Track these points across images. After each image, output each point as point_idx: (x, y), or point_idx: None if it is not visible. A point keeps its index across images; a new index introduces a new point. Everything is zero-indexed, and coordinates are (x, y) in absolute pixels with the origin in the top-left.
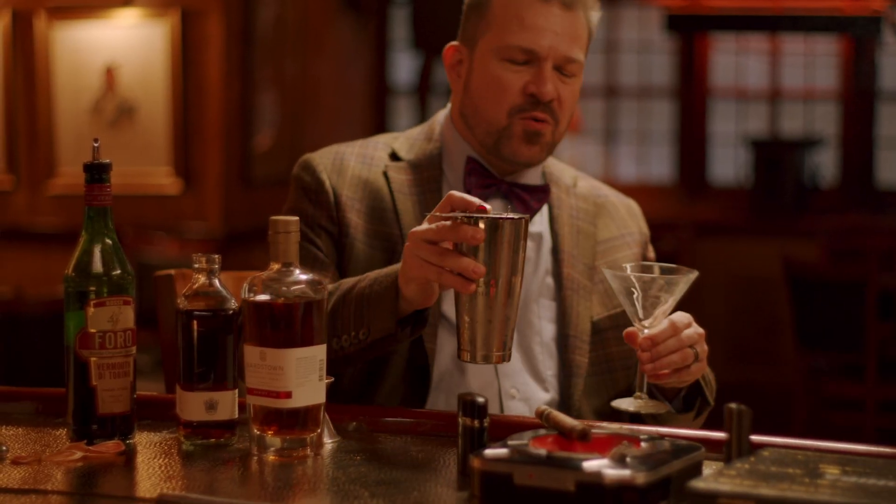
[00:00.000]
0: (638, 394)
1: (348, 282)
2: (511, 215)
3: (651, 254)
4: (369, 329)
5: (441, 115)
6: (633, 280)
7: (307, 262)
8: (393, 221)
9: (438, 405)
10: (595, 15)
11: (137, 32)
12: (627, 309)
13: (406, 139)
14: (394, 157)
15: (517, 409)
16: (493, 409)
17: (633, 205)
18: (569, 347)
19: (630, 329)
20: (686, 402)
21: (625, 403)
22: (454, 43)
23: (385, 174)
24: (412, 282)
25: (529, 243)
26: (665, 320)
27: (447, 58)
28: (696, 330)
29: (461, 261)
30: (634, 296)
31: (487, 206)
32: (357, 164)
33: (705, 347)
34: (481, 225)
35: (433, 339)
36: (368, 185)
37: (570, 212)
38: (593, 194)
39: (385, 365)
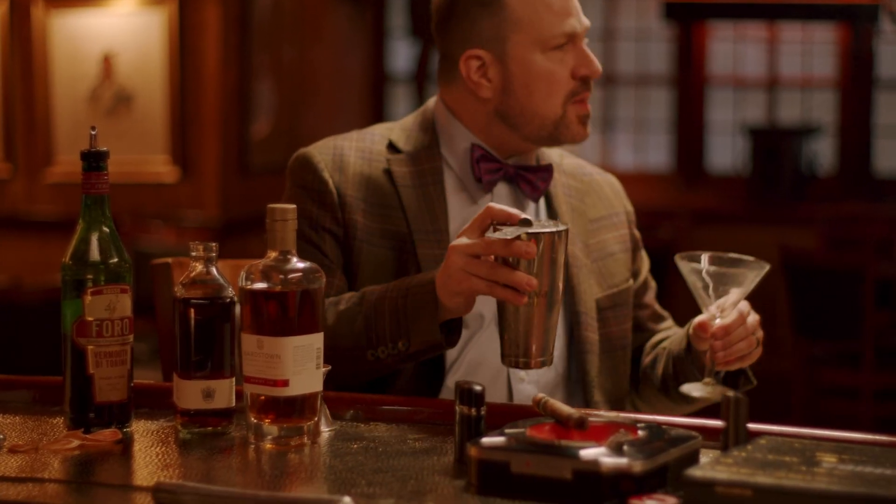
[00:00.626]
0: (707, 380)
1: (374, 291)
2: (554, 228)
3: (636, 232)
4: (409, 340)
5: (432, 104)
6: (707, 275)
7: None
8: (400, 219)
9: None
10: None
11: (134, 20)
12: (699, 299)
13: (402, 130)
14: (392, 148)
15: (526, 391)
16: (501, 393)
17: (614, 181)
18: (581, 324)
19: (701, 319)
20: (726, 380)
21: (696, 390)
22: (472, 51)
23: (387, 170)
24: (458, 296)
25: None
26: (734, 310)
27: (466, 67)
28: (755, 317)
29: (514, 275)
30: (708, 288)
31: (524, 215)
32: (358, 159)
33: (761, 333)
34: (526, 237)
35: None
36: (371, 183)
37: (563, 189)
38: (579, 172)
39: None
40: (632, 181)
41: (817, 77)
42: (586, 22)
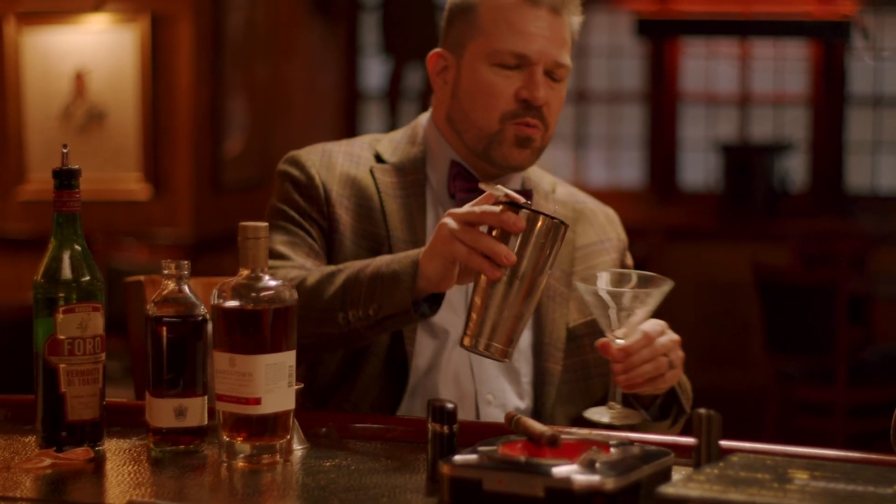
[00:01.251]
0: (611, 403)
1: (358, 262)
2: (553, 216)
3: (629, 261)
4: (380, 305)
5: (424, 119)
6: (606, 294)
7: (302, 250)
8: (380, 222)
9: (414, 409)
10: (577, 20)
11: (107, 38)
12: (600, 321)
13: (389, 142)
14: (377, 158)
15: (493, 415)
16: (469, 414)
17: (611, 212)
18: (543, 355)
19: (603, 340)
20: (662, 409)
21: (597, 414)
22: (438, 49)
23: (372, 176)
24: (437, 258)
25: None
26: (638, 330)
27: (431, 64)
28: (670, 337)
29: (496, 245)
30: (608, 308)
31: (527, 202)
32: (345, 161)
33: (681, 354)
34: (522, 214)
35: (412, 342)
36: (357, 184)
37: None
38: (572, 200)
39: (361, 363)
40: (604, 198)
41: (789, 93)
42: (553, 55)
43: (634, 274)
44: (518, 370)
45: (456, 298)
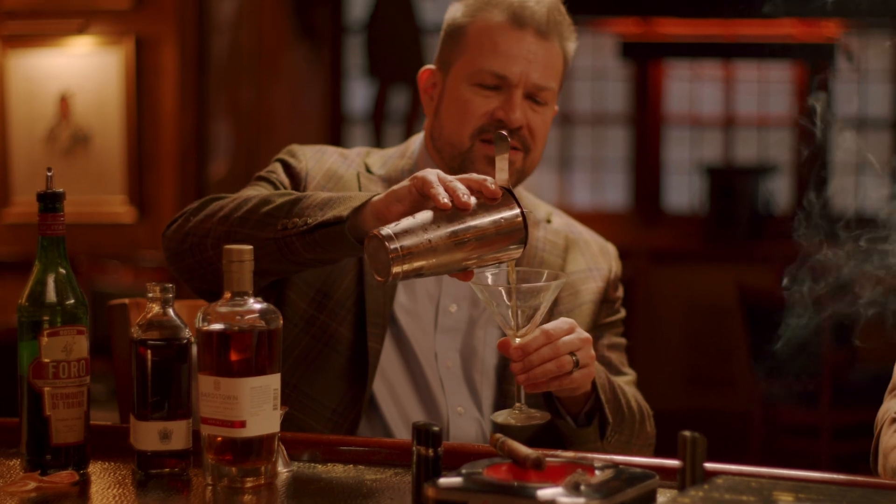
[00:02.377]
0: (517, 405)
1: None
2: (525, 216)
3: (617, 293)
4: (320, 217)
5: (418, 137)
6: (499, 288)
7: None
8: None
9: (391, 419)
10: (571, 45)
11: (92, 61)
12: (497, 318)
13: (380, 156)
14: (367, 169)
15: (465, 426)
16: (439, 423)
17: (609, 247)
18: (507, 378)
19: (503, 338)
20: (588, 416)
21: (501, 417)
22: (430, 66)
23: (358, 177)
24: (398, 188)
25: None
26: (536, 329)
27: (422, 81)
28: (578, 336)
29: (460, 185)
30: (503, 304)
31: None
32: (337, 160)
33: (592, 353)
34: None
35: (379, 339)
36: (341, 181)
37: (534, 244)
38: (566, 230)
39: (325, 359)
40: (589, 220)
41: (773, 116)
42: (534, 78)
43: (534, 271)
44: (480, 392)
45: (426, 316)
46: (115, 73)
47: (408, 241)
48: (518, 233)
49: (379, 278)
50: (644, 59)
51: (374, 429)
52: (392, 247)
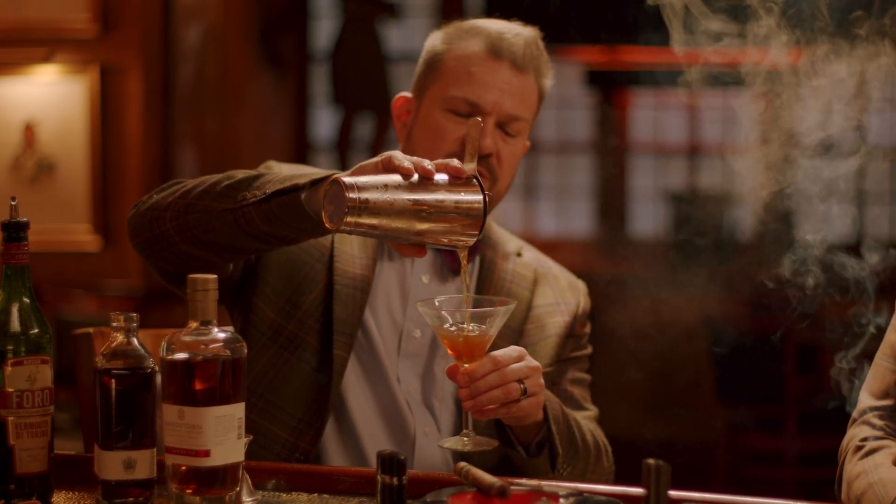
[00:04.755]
0: (465, 431)
1: None
2: (486, 201)
3: (585, 329)
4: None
5: None
6: (446, 314)
7: None
8: (329, 236)
9: (343, 422)
10: (547, 82)
11: (57, 89)
12: (444, 343)
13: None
14: None
15: (431, 447)
16: (406, 446)
17: (579, 283)
18: None
19: (452, 364)
20: (539, 446)
21: (449, 443)
22: (405, 94)
23: None
24: (363, 170)
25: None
26: (487, 355)
27: (395, 108)
28: (527, 364)
29: (424, 160)
30: (451, 331)
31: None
32: None
33: (540, 382)
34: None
35: (345, 347)
36: None
37: (502, 275)
38: (536, 264)
39: (291, 368)
40: (554, 248)
41: (738, 143)
42: (507, 108)
43: (484, 297)
44: (439, 417)
45: (389, 340)
46: (80, 101)
47: (369, 195)
48: (476, 216)
49: (329, 224)
50: (609, 88)
51: (343, 442)
52: (352, 196)
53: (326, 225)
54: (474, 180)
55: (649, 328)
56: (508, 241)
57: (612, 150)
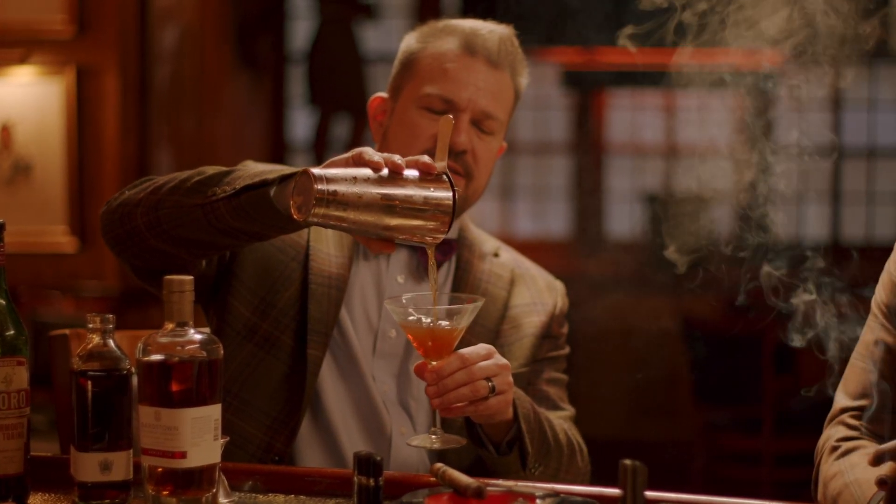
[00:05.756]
0: (433, 429)
1: None
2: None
3: (562, 330)
4: (248, 182)
5: None
6: (413, 311)
7: None
8: (304, 233)
9: (319, 421)
10: (523, 80)
11: (33, 90)
12: (413, 341)
13: None
14: None
15: (406, 445)
16: (383, 445)
17: (557, 284)
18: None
19: (419, 362)
20: (510, 444)
21: (417, 440)
22: (381, 94)
23: None
24: (334, 165)
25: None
26: (455, 353)
27: (372, 108)
28: (495, 361)
29: (395, 155)
30: (418, 327)
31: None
32: None
33: (509, 380)
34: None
35: (320, 347)
36: None
37: (478, 276)
38: (513, 265)
39: (266, 367)
40: (531, 249)
41: (715, 144)
42: (482, 105)
43: (449, 295)
44: (415, 417)
45: (365, 340)
46: (56, 102)
47: (338, 187)
48: (446, 212)
49: (297, 215)
50: (585, 89)
51: (320, 441)
52: (320, 187)
53: (294, 216)
54: (444, 177)
55: (626, 328)
56: (485, 241)
57: (588, 151)
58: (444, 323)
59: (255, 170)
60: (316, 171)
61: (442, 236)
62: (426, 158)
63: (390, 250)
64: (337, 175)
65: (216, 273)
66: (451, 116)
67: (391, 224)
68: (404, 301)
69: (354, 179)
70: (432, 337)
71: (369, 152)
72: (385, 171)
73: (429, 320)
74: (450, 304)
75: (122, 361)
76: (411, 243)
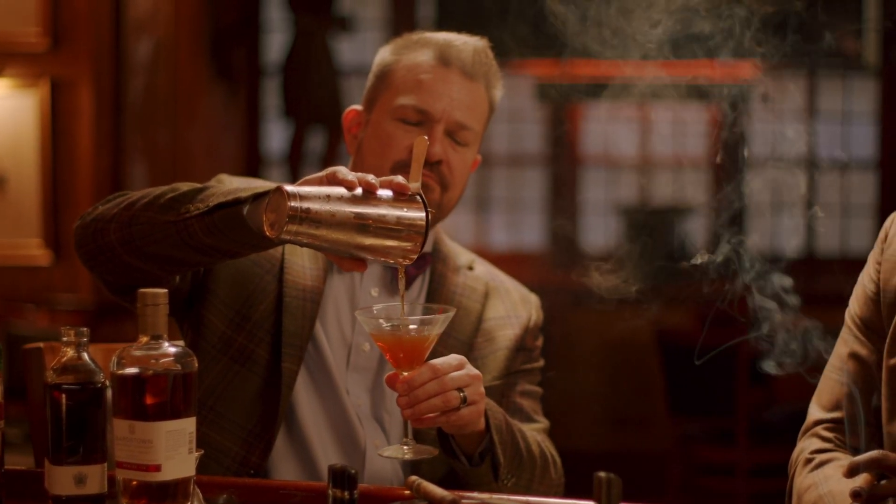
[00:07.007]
0: (405, 440)
1: None
2: (428, 218)
3: (536, 343)
4: (222, 199)
5: None
6: (383, 322)
7: None
8: (279, 246)
9: (294, 435)
10: (497, 92)
11: (7, 103)
12: (384, 352)
13: None
14: None
15: (381, 458)
16: (357, 458)
17: (532, 297)
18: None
19: (391, 373)
20: (482, 455)
21: (388, 451)
22: (355, 107)
23: None
24: (308, 183)
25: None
26: (426, 363)
27: (346, 121)
28: (467, 372)
29: (369, 175)
30: (389, 337)
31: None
32: None
33: (481, 390)
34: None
35: (295, 360)
36: None
37: (452, 288)
38: (487, 277)
39: (242, 380)
40: (506, 261)
41: (689, 157)
42: (456, 116)
43: (423, 305)
44: (389, 431)
45: (339, 353)
46: (30, 115)
47: (311, 205)
48: (418, 232)
49: (270, 232)
50: (560, 101)
51: (295, 454)
52: (293, 204)
53: (267, 232)
54: (418, 198)
55: (601, 341)
56: (460, 254)
57: (563, 163)
58: (413, 328)
59: (230, 187)
60: (289, 188)
61: (415, 256)
62: (400, 179)
63: (362, 269)
64: (310, 193)
65: (190, 287)
66: (427, 137)
67: (364, 243)
68: (375, 311)
69: (328, 198)
70: (403, 347)
71: (343, 171)
72: (359, 191)
73: (398, 328)
74: (422, 315)
75: (96, 375)
76: (383, 264)
